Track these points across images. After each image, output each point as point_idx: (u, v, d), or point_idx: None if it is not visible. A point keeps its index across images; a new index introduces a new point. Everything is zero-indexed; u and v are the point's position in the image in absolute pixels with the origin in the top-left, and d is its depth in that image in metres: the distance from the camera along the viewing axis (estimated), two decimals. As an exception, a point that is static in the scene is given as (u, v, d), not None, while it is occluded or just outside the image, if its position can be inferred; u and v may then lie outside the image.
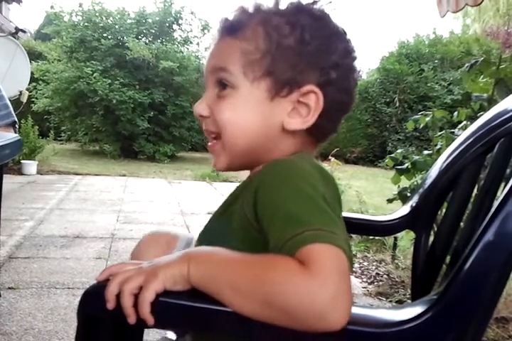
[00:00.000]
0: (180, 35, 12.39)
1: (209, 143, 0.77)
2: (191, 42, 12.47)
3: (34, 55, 11.25)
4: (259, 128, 0.71)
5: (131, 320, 0.55)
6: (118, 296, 0.56)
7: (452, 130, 2.70)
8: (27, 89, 5.63)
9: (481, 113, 2.47)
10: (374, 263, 3.45)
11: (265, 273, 0.53)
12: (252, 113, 0.71)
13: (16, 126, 2.12)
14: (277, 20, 0.70)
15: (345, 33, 0.75)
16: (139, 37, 11.50)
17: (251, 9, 0.73)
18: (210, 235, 0.78)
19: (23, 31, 5.89)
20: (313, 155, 0.77)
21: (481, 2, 2.52)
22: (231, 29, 0.72)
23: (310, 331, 0.51)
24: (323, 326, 0.50)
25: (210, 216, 0.81)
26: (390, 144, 13.27)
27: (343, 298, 0.51)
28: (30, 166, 7.07)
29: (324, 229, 0.55)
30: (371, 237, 3.69)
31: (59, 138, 11.60)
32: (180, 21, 12.05)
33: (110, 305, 0.56)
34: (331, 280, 0.51)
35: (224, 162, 0.76)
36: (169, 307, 0.57)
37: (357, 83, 0.77)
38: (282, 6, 0.72)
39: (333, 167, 5.65)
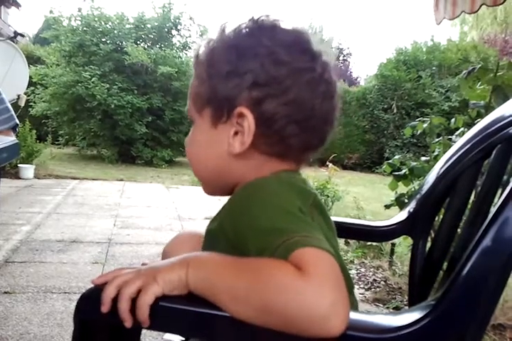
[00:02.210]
0: (178, 41, 12.42)
1: None
2: (190, 48, 12.49)
3: (33, 60, 11.26)
4: (209, 156, 0.74)
5: (128, 324, 0.55)
6: (114, 300, 0.56)
7: (450, 136, 2.71)
8: (25, 93, 5.62)
9: (479, 120, 2.48)
10: (371, 270, 3.45)
11: (263, 279, 0.53)
12: (203, 143, 0.75)
13: (17, 129, 2.12)
14: (218, 47, 0.72)
15: (288, 44, 0.69)
16: (138, 42, 11.52)
17: (208, 42, 0.74)
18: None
19: (22, 35, 5.88)
20: (295, 172, 0.75)
21: (478, 9, 2.54)
22: (193, 65, 0.76)
23: (309, 337, 0.50)
24: (324, 331, 0.50)
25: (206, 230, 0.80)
26: (387, 150, 13.29)
27: (342, 302, 0.51)
28: (28, 170, 7.06)
29: (311, 236, 0.56)
30: (368, 243, 3.69)
31: (57, 143, 11.56)
32: (179, 27, 12.08)
33: (105, 308, 0.56)
34: (328, 284, 0.51)
35: (204, 189, 0.81)
36: (168, 312, 0.57)
37: (319, 92, 0.70)
38: (228, 30, 0.73)
39: (330, 173, 5.66)
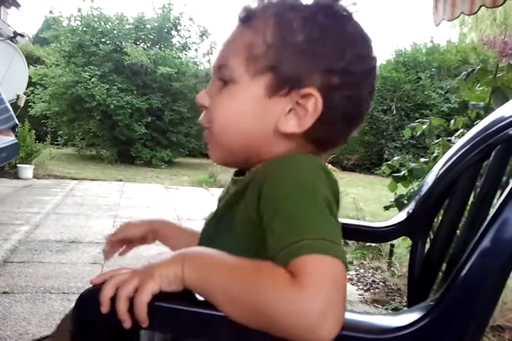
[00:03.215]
0: (178, 41, 12.43)
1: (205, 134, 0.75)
2: (189, 49, 12.50)
3: (32, 60, 11.25)
4: (252, 125, 0.68)
5: (127, 325, 0.55)
6: (112, 300, 0.56)
7: (449, 138, 2.71)
8: (24, 94, 5.62)
9: (478, 121, 2.48)
10: (370, 271, 3.45)
11: (257, 283, 0.53)
12: (247, 108, 0.68)
13: (16, 129, 2.12)
14: (292, 14, 0.67)
15: (364, 38, 0.70)
16: (138, 42, 11.53)
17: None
18: (210, 238, 0.75)
19: (22, 35, 5.88)
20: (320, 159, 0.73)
21: (477, 11, 2.54)
22: (245, 17, 0.70)
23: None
24: (313, 338, 0.50)
25: (206, 219, 0.79)
26: (386, 152, 13.28)
27: (334, 311, 0.50)
28: (27, 170, 7.05)
29: (326, 238, 0.55)
30: (367, 244, 3.68)
31: (56, 143, 11.57)
32: (178, 27, 12.09)
33: (104, 308, 0.56)
34: (321, 294, 0.50)
35: (215, 155, 0.74)
36: (167, 312, 0.56)
37: (372, 95, 0.73)
38: (304, 1, 0.69)
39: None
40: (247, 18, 0.69)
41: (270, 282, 0.52)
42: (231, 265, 0.57)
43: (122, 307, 0.55)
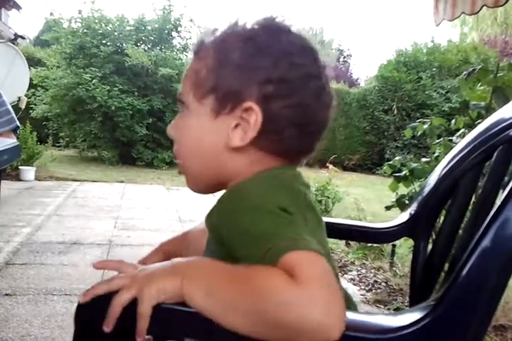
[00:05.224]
0: (179, 43, 12.43)
1: None
2: (190, 50, 12.49)
3: (33, 62, 11.26)
4: (206, 147, 0.71)
5: (107, 329, 0.55)
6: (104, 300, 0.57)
7: (450, 138, 2.71)
8: (26, 96, 5.63)
9: (479, 121, 2.48)
10: (372, 271, 3.45)
11: (257, 289, 0.52)
12: (198, 131, 0.71)
13: (18, 131, 2.12)
14: (232, 38, 0.70)
15: (302, 48, 0.71)
16: (138, 44, 11.52)
17: (214, 30, 0.73)
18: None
19: (23, 37, 5.91)
20: (286, 168, 0.73)
21: (479, 11, 2.54)
22: (195, 49, 0.74)
23: None
24: (323, 336, 0.49)
25: None
26: (388, 152, 13.28)
27: (337, 303, 0.50)
28: (29, 172, 7.06)
29: (296, 237, 0.55)
30: (369, 245, 3.68)
31: (57, 145, 11.57)
32: (179, 28, 12.08)
33: (85, 298, 0.57)
34: (320, 288, 0.50)
35: (190, 183, 0.77)
36: (168, 314, 0.56)
37: (321, 101, 0.71)
38: (242, 24, 0.71)
39: (331, 174, 5.67)
40: (196, 48, 0.74)
41: (269, 285, 0.51)
42: (228, 275, 0.55)
43: (114, 314, 0.55)
